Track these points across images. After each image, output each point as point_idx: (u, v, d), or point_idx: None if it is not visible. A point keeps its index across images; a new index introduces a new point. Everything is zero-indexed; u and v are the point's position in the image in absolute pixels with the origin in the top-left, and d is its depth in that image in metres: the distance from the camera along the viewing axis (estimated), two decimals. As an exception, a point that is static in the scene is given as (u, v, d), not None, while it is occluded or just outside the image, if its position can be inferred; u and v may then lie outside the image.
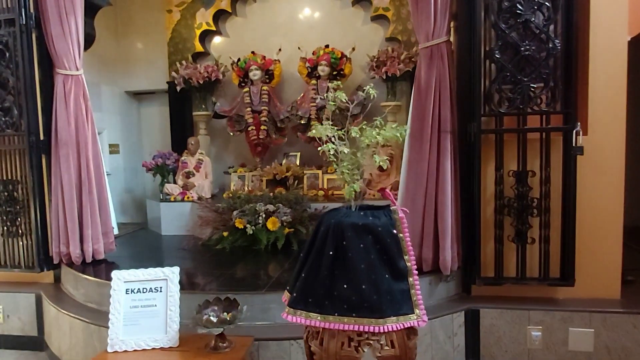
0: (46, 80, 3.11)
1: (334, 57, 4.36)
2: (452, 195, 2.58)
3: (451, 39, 2.68)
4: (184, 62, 4.79)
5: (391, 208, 1.48)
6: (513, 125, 2.55)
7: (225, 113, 4.76)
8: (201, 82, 4.66)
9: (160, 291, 2.00)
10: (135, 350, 1.91)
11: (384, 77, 4.27)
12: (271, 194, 3.89)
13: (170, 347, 1.92)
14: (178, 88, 4.79)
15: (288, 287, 1.52)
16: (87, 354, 2.43)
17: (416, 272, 1.46)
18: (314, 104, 4.40)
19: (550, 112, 2.47)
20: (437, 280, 2.63)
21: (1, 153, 3.16)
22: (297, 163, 4.60)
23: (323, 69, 4.39)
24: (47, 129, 3.11)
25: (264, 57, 4.60)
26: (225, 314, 1.89)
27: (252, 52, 4.61)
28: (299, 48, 4.53)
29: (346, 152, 1.48)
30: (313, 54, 4.47)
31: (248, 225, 3.50)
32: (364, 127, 1.54)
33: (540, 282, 2.55)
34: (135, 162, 5.32)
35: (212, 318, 1.85)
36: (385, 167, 1.58)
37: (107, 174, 4.84)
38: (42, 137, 3.11)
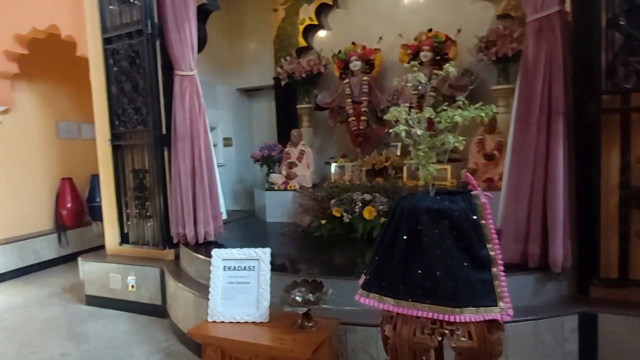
0: (167, 81, 3.50)
1: (437, 41, 4.16)
2: (564, 184, 2.29)
3: (565, 8, 2.37)
4: (288, 57, 5.00)
5: (472, 193, 1.37)
6: (644, 103, 2.17)
7: (326, 105, 4.86)
8: (304, 75, 4.82)
9: (253, 270, 2.13)
10: (230, 322, 2.07)
11: (494, 58, 3.95)
12: (369, 184, 3.88)
13: (261, 322, 2.05)
14: (283, 83, 5.02)
15: (364, 270, 1.50)
16: (197, 322, 2.70)
17: (501, 262, 1.34)
18: (416, 92, 4.26)
19: (693, 84, 2.05)
20: (545, 278, 2.37)
21: (134, 147, 3.66)
22: (398, 153, 4.50)
23: (425, 55, 4.22)
24: (167, 124, 3.50)
25: (364, 47, 4.58)
26: (310, 295, 1.94)
27: (353, 43, 4.62)
28: (399, 35, 4.42)
29: (419, 133, 1.40)
30: (415, 39, 4.32)
31: (345, 214, 3.54)
32: (444, 108, 1.45)
33: (678, 287, 2.14)
34: (246, 154, 5.71)
35: (297, 298, 1.92)
36: (461, 148, 1.45)
37: (220, 165, 5.35)
38: (164, 132, 3.52)
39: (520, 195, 2.41)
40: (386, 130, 4.65)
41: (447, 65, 1.55)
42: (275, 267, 2.29)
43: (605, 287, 2.30)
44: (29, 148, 5.24)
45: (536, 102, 2.33)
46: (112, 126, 3.68)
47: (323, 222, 3.66)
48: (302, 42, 5.10)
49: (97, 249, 4.76)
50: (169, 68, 3.48)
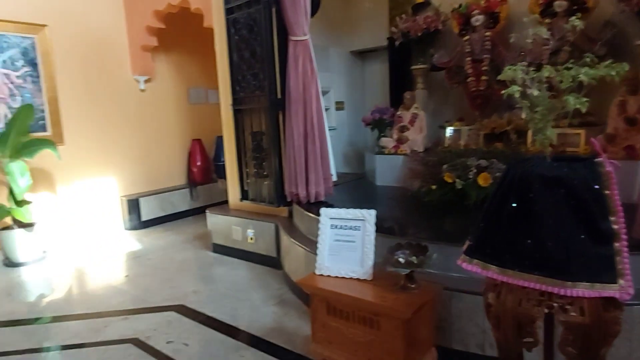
0: (282, 47, 3.63)
1: (575, -12, 3.63)
2: None
3: None
4: (403, 15, 4.80)
5: (596, 160, 1.21)
6: None
7: (443, 65, 4.60)
8: (420, 34, 4.60)
9: (359, 230, 2.19)
10: (336, 277, 2.17)
11: (636, 9, 3.34)
12: (486, 149, 3.64)
13: (364, 280, 2.11)
14: (397, 43, 4.85)
15: (469, 236, 1.45)
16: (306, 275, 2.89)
17: (625, 236, 1.18)
18: (547, 47, 3.80)
19: None
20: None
21: (252, 110, 3.92)
22: (524, 116, 4.11)
23: (560, 4, 3.72)
24: (282, 89, 3.67)
25: (487, 0, 4.19)
26: (414, 257, 1.94)
27: (475, -5, 4.25)
28: (530, -18, 3.94)
29: (535, 94, 1.27)
30: (549, -14, 3.82)
31: (457, 180, 3.39)
32: (569, 66, 1.28)
33: None
34: (358, 118, 5.71)
35: (400, 259, 1.93)
36: (583, 110, 1.27)
37: (332, 129, 5.46)
38: (279, 96, 3.69)
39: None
40: (502, 89, 4.27)
41: (573, 18, 1.35)
42: (382, 229, 2.32)
43: None
44: (166, 112, 5.94)
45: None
46: (234, 92, 3.97)
47: (433, 187, 3.55)
48: (418, -2, 4.84)
49: (221, 204, 5.30)
50: (283, 34, 3.61)
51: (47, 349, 2.62)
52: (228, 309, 3.03)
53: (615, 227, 1.19)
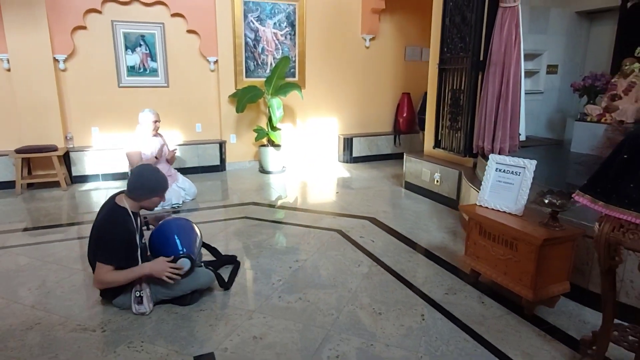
0: (491, 13, 4.01)
1: None
2: None
3: None
4: (642, -26, 4.43)
5: None
6: None
7: (680, 30, 4.16)
8: (657, -5, 4.22)
9: (519, 175, 2.68)
10: (492, 209, 2.74)
11: None
12: None
13: (515, 215, 2.63)
14: (629, 4, 4.54)
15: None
16: (474, 214, 3.47)
17: None
18: None
19: None
20: None
21: (455, 70, 4.46)
22: None
23: None
24: (485, 52, 4.09)
25: None
26: (556, 200, 2.37)
27: None
28: None
29: None
30: None
31: (654, 153, 3.33)
32: None
33: None
34: (571, 83, 5.58)
35: (545, 200, 2.39)
36: None
37: (539, 93, 5.51)
38: (480, 59, 4.13)
39: None
40: None
41: None
42: (540, 180, 2.70)
43: None
44: (384, 67, 6.89)
45: None
46: (441, 52, 4.57)
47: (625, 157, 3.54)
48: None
49: (415, 152, 6.07)
50: (495, 1, 3.97)
51: (287, 223, 3.97)
52: (408, 227, 3.88)
53: None
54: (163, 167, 4.18)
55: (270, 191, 5.15)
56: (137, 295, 2.29)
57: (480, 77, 4.17)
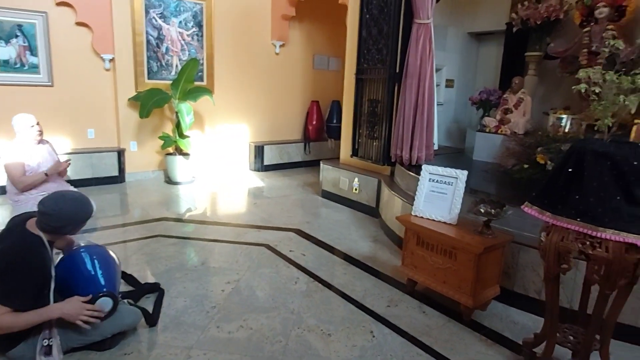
0: (405, 27, 4.18)
1: None
2: None
3: None
4: (526, 2, 4.99)
5: (638, 144, 1.67)
6: None
7: (558, 54, 4.77)
8: (539, 22, 4.79)
9: (451, 185, 2.78)
10: (427, 219, 2.81)
11: None
12: (582, 138, 3.90)
13: (450, 223, 2.72)
14: (514, 29, 5.09)
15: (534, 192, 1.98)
16: (401, 222, 3.55)
17: (655, 203, 1.64)
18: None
19: None
20: None
21: (372, 81, 4.56)
22: (633, 111, 4.22)
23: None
24: (400, 64, 4.24)
25: (616, -8, 4.27)
26: (492, 209, 2.50)
27: (603, -13, 4.34)
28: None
29: (597, 91, 1.74)
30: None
31: (549, 162, 3.74)
32: (636, 72, 1.73)
33: None
34: (465, 96, 6.09)
35: (481, 209, 2.50)
36: (633, 110, 1.71)
37: (439, 104, 5.90)
38: (397, 70, 4.28)
39: None
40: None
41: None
42: (469, 191, 2.86)
43: None
44: (294, 75, 6.84)
45: None
46: (358, 63, 4.64)
47: (526, 166, 3.93)
48: (546, -15, 4.98)
49: (330, 159, 6.10)
50: (409, 16, 4.14)
51: (207, 240, 3.65)
52: (334, 237, 3.83)
53: (646, 195, 1.65)
54: (52, 185, 3.54)
55: (182, 204, 4.73)
56: (45, 344, 1.85)
57: (397, 88, 4.31)
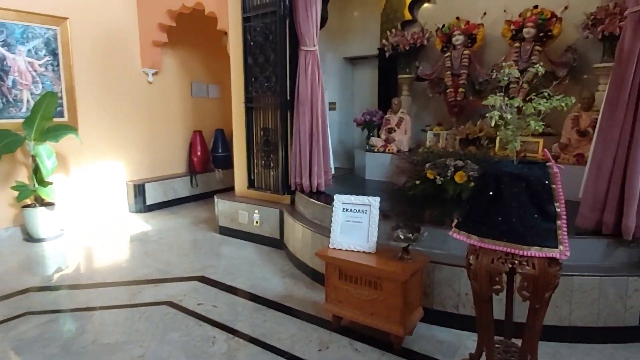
0: (293, 54, 4.16)
1: (542, 18, 4.30)
2: (645, 164, 2.58)
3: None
4: (393, 30, 5.40)
5: (547, 164, 1.83)
6: None
7: (426, 76, 5.23)
8: (407, 48, 5.20)
9: (365, 213, 2.77)
10: (346, 250, 2.75)
11: (600, 36, 4.02)
12: (462, 152, 4.29)
13: (369, 252, 2.70)
14: (387, 54, 5.45)
15: (457, 217, 2.05)
16: (313, 253, 3.43)
17: (565, 216, 1.79)
18: (515, 67, 4.46)
19: None
20: (616, 244, 2.71)
21: (263, 109, 4.43)
22: (492, 125, 4.78)
23: (528, 31, 4.38)
24: (292, 91, 4.19)
25: (467, 22, 4.83)
26: (410, 234, 2.54)
27: (457, 18, 4.89)
28: (504, 11, 4.61)
29: (509, 117, 1.87)
30: (519, 16, 4.49)
31: (438, 177, 4.02)
32: (533, 97, 1.89)
33: None
34: (347, 118, 6.31)
35: (400, 235, 2.53)
36: (540, 130, 1.90)
37: (326, 127, 6.00)
38: (288, 98, 4.22)
39: (601, 171, 2.73)
40: (482, 103, 4.93)
41: (537, 65, 1.97)
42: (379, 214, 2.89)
43: (674, 257, 2.59)
44: (171, 104, 6.36)
45: (626, 90, 2.59)
46: (247, 91, 4.47)
47: (417, 182, 4.17)
48: (407, 16, 5.44)
49: (221, 191, 5.78)
50: (295, 43, 4.13)
51: (93, 309, 3.08)
52: (243, 279, 3.56)
53: (557, 210, 1.79)
54: None
55: (50, 266, 3.97)
56: None
57: (289, 115, 4.25)
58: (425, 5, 5.49)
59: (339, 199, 2.85)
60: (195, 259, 4.06)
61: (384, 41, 5.49)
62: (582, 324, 2.60)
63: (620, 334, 2.61)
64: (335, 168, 6.01)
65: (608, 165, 2.71)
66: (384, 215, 3.22)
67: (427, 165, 4.16)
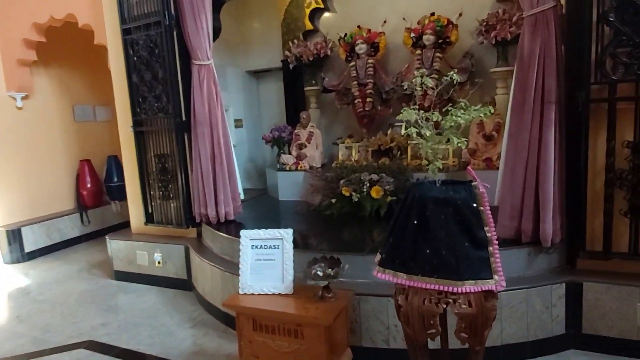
0: (185, 70, 3.70)
1: (439, 25, 4.32)
2: (555, 167, 2.54)
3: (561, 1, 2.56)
4: (295, 40, 5.15)
5: (472, 184, 1.62)
6: (629, 93, 2.39)
7: (333, 87, 5.04)
8: (311, 59, 4.98)
9: (278, 248, 2.41)
10: (259, 294, 2.36)
11: (494, 41, 4.10)
12: (375, 164, 4.13)
13: (286, 294, 2.34)
14: (291, 66, 5.19)
15: (380, 250, 1.77)
16: (224, 295, 2.99)
17: (496, 242, 1.60)
18: (431, 94, 4.43)
19: (674, 76, 2.26)
20: (536, 252, 2.65)
21: (156, 132, 3.89)
22: (402, 133, 4.72)
23: (428, 39, 4.38)
24: (187, 111, 3.72)
25: (369, 31, 4.73)
26: (329, 270, 2.22)
27: (358, 27, 4.77)
28: (403, 19, 4.58)
29: (428, 134, 1.65)
30: (418, 23, 4.47)
31: (354, 193, 3.80)
32: (449, 108, 1.68)
33: (654, 258, 2.42)
34: (257, 135, 5.93)
35: (318, 273, 2.20)
36: (464, 147, 1.71)
37: (233, 146, 5.59)
38: (184, 119, 3.74)
39: (515, 177, 2.66)
40: (390, 111, 4.85)
41: (452, 72, 1.77)
42: (295, 245, 2.56)
43: (590, 259, 2.57)
44: (49, 131, 5.49)
45: (531, 92, 2.55)
46: (134, 113, 3.90)
47: (333, 201, 3.92)
48: (308, 25, 5.23)
49: (117, 227, 5.09)
50: (186, 57, 3.67)
51: None
52: (144, 337, 3.01)
53: (488, 235, 1.59)
54: None
55: None
56: None
57: (187, 138, 3.77)
58: (326, 14, 5.32)
59: (246, 235, 2.46)
60: (84, 317, 3.39)
61: (286, 52, 5.22)
62: (514, 341, 2.48)
63: (549, 344, 2.53)
64: (247, 190, 5.63)
65: (521, 171, 2.65)
66: (300, 243, 2.89)
67: (342, 181, 3.93)
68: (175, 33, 3.65)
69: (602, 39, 2.40)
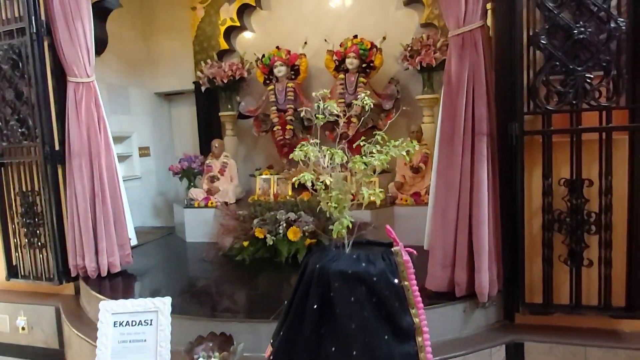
0: (60, 88, 3.01)
1: (362, 49, 4.02)
2: (489, 208, 2.21)
3: (488, 22, 2.29)
4: (209, 60, 4.63)
5: (393, 249, 1.18)
6: (565, 125, 2.13)
7: (250, 113, 4.56)
8: (226, 81, 4.47)
9: (151, 324, 1.81)
10: (123, 391, 1.74)
11: (419, 67, 3.87)
12: (294, 199, 3.66)
13: (160, 388, 1.74)
14: (203, 88, 4.64)
15: (271, 340, 1.26)
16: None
17: (427, 329, 1.16)
18: (342, 100, 4.09)
19: (612, 107, 2.04)
20: (473, 307, 2.28)
21: (19, 165, 3.13)
22: (378, 202, 4.30)
23: (351, 62, 4.06)
24: (62, 138, 3.03)
25: (289, 52, 4.33)
26: (217, 354, 1.67)
27: (277, 47, 4.36)
28: (325, 40, 4.24)
29: (329, 182, 1.19)
30: (340, 45, 4.15)
31: (268, 235, 3.29)
32: (361, 143, 1.25)
33: (600, 312, 2.14)
34: (167, 164, 5.21)
35: (201, 359, 1.63)
36: (378, 202, 1.28)
37: (137, 178, 4.87)
38: (57, 147, 3.04)
39: (447, 220, 2.30)
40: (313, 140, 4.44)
41: (363, 95, 1.35)
42: (185, 309, 1.98)
43: (530, 313, 2.25)
44: None
45: (460, 123, 2.22)
46: (-9, 141, 3.12)
47: (245, 244, 3.37)
48: (223, 45, 4.73)
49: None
50: (62, 74, 3.00)
51: None
52: None
53: (416, 320, 1.15)
54: None
55: None
56: None
57: (62, 171, 3.05)
58: (243, 33, 4.86)
59: (107, 308, 1.83)
60: None
61: (198, 73, 4.67)
62: (453, 420, 2.06)
63: (491, 419, 2.13)
64: (155, 228, 4.90)
65: (452, 214, 2.29)
66: (190, 308, 2.27)
67: (255, 221, 3.40)
68: (46, 44, 2.98)
69: (534, 64, 2.13)
